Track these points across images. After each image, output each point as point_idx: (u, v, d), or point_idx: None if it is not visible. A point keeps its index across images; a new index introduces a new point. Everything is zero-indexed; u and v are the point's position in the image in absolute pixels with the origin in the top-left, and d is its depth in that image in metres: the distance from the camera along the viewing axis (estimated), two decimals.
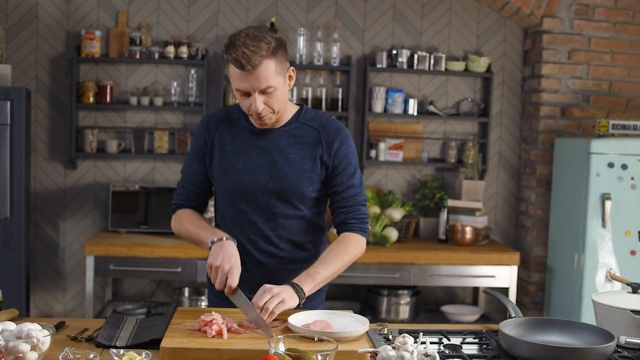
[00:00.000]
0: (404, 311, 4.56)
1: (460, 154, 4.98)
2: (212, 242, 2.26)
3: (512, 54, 5.03)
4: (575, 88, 4.76)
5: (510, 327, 2.06)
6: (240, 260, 2.34)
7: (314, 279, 2.27)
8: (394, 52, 4.84)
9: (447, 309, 4.65)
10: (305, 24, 4.86)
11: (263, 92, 2.24)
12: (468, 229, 4.57)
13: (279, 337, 1.84)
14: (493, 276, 4.45)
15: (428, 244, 4.61)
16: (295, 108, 2.47)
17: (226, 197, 2.44)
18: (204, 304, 4.43)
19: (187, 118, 4.86)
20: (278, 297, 2.13)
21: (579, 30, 4.73)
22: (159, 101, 4.72)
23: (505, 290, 4.54)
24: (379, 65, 4.82)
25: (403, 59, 4.83)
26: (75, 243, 4.82)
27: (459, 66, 4.87)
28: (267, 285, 2.18)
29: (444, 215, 4.69)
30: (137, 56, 4.66)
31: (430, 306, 4.91)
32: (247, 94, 2.26)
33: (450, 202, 4.76)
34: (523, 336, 2.03)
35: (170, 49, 4.67)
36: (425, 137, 4.96)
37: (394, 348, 1.83)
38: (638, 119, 4.46)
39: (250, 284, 2.31)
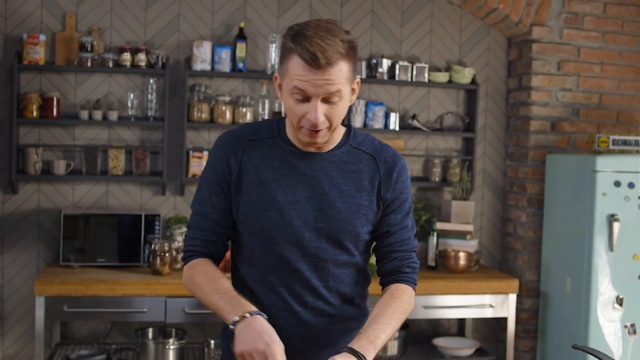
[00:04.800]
0: (392, 346, 4.15)
1: (445, 172, 4.62)
2: (235, 323, 1.74)
3: (496, 64, 4.71)
4: (565, 101, 4.47)
5: None
6: (285, 322, 1.91)
7: (375, 345, 1.80)
8: (374, 61, 4.44)
9: (440, 342, 4.26)
10: (277, 29, 4.40)
11: (327, 99, 1.79)
12: (461, 255, 4.20)
13: None
14: (492, 306, 4.10)
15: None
16: (343, 129, 2.01)
17: (260, 240, 1.94)
18: (171, 347, 3.87)
19: (145, 134, 4.30)
20: None
21: (568, 40, 4.45)
22: (113, 115, 4.16)
23: (503, 321, 4.20)
24: (357, 76, 4.40)
25: (383, 69, 4.43)
26: (17, 278, 4.19)
27: (442, 77, 4.51)
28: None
29: (433, 240, 4.31)
30: (88, 64, 4.09)
31: (417, 339, 4.51)
32: (306, 99, 1.80)
33: (439, 225, 4.39)
34: None
35: (126, 56, 4.12)
36: (407, 154, 4.57)
37: None
38: (637, 134, 4.21)
39: (292, 351, 1.81)
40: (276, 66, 4.29)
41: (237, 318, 1.74)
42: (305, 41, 1.74)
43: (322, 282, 1.95)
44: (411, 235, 2.03)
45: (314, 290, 1.95)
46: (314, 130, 1.83)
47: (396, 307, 1.91)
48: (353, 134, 2.00)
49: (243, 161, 1.95)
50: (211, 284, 1.88)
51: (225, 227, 1.99)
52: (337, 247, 1.94)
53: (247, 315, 1.74)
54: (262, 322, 1.73)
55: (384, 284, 2.02)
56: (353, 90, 1.88)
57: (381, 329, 1.84)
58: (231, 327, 1.75)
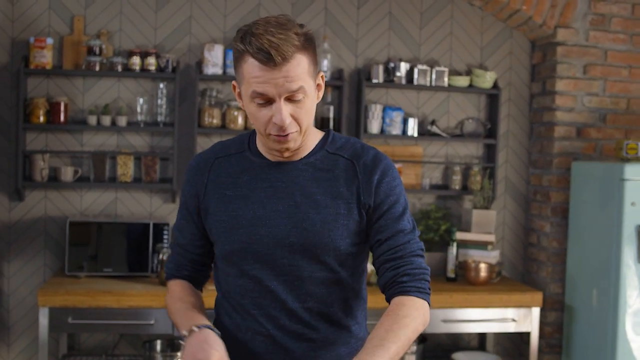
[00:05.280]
0: None
1: (465, 180, 4.44)
2: (184, 338, 1.68)
3: (519, 68, 4.53)
4: (592, 106, 4.28)
5: None
6: (261, 346, 1.77)
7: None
8: (391, 65, 4.29)
9: (459, 357, 4.08)
10: None
11: (291, 98, 1.65)
12: (482, 266, 4.03)
13: None
14: (514, 320, 3.92)
15: (436, 284, 4.02)
16: (320, 134, 1.85)
17: (232, 261, 1.80)
18: None
19: (155, 140, 4.18)
20: None
21: (594, 43, 4.27)
22: (122, 121, 4.04)
23: (526, 336, 4.02)
24: (374, 80, 4.26)
25: (401, 73, 4.27)
26: (23, 288, 4.08)
27: (463, 81, 4.35)
28: None
29: (453, 250, 4.13)
30: (97, 68, 3.97)
31: (436, 353, 4.34)
32: (268, 102, 1.66)
33: (459, 235, 4.22)
34: None
35: (135, 60, 4.00)
36: (426, 161, 4.40)
37: None
38: None
39: None
40: None
41: (185, 333, 1.68)
42: (256, 40, 1.60)
43: (300, 303, 1.77)
44: (409, 239, 1.77)
45: (291, 313, 1.77)
46: (283, 135, 1.69)
47: (390, 325, 1.65)
48: (331, 139, 1.83)
49: (209, 181, 1.82)
50: (175, 303, 1.84)
51: (194, 252, 1.90)
52: (314, 262, 1.75)
53: (195, 329, 1.67)
54: (207, 334, 1.65)
55: (387, 301, 1.79)
56: (318, 86, 1.74)
57: (371, 354, 1.59)
58: (181, 342, 1.69)
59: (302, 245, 1.74)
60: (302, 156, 1.79)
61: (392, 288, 1.75)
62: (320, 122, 4.20)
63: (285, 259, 1.75)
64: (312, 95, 1.69)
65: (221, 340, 1.66)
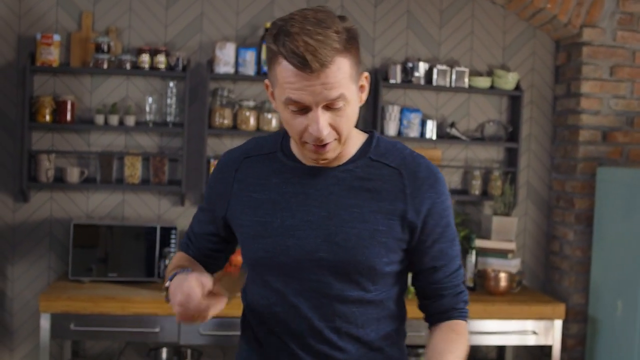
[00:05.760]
0: None
1: (485, 185, 4.28)
2: (167, 290, 1.58)
3: (542, 69, 4.35)
4: (618, 109, 4.10)
5: None
6: None
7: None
8: (409, 65, 4.13)
9: None
10: None
11: (330, 106, 1.48)
12: (502, 275, 3.85)
13: None
14: (535, 332, 3.74)
15: None
16: (363, 137, 1.67)
17: (256, 271, 1.66)
18: None
19: (164, 141, 4.05)
20: None
21: (622, 43, 4.08)
22: (130, 120, 3.91)
23: (547, 349, 3.84)
24: (392, 81, 4.10)
25: (420, 73, 4.11)
26: (27, 292, 3.96)
27: (484, 82, 4.18)
28: None
29: (471, 258, 3.97)
30: (105, 66, 3.85)
31: None
32: (304, 110, 1.49)
33: (478, 242, 4.05)
34: None
35: (145, 58, 3.87)
36: (444, 165, 4.24)
37: None
38: None
39: None
40: None
41: (167, 284, 1.58)
42: (290, 41, 1.43)
43: (326, 323, 1.62)
44: (459, 264, 1.68)
45: (316, 332, 1.62)
46: (320, 145, 1.52)
47: (461, 344, 1.62)
48: (375, 144, 1.65)
49: (236, 181, 1.69)
50: (169, 271, 1.71)
51: (205, 247, 1.80)
52: (344, 281, 1.60)
53: (176, 274, 1.56)
54: (183, 275, 1.52)
55: (435, 322, 1.69)
56: (362, 87, 1.57)
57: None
58: (165, 298, 1.58)
59: (332, 262, 1.58)
60: (341, 162, 1.62)
61: (449, 313, 1.68)
62: None
63: (312, 274, 1.60)
64: (353, 101, 1.52)
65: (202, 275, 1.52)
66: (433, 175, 1.64)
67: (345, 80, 1.47)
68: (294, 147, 1.65)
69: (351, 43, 1.49)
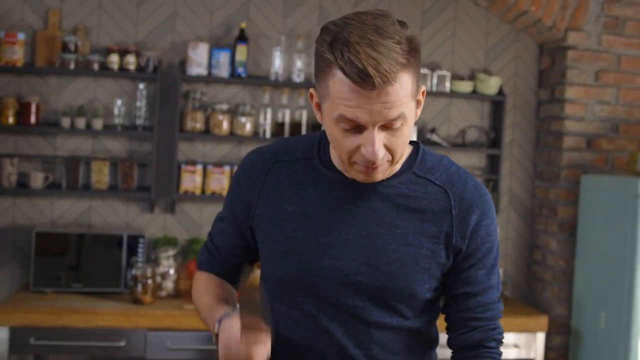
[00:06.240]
0: None
1: None
2: (217, 331, 1.43)
3: (526, 73, 4.24)
4: (603, 115, 3.99)
5: None
6: None
7: None
8: None
9: None
10: (283, 31, 3.97)
11: (387, 126, 1.33)
12: None
13: None
14: (516, 346, 3.62)
15: None
16: (408, 149, 1.52)
17: (283, 289, 1.50)
18: None
19: (133, 145, 3.88)
20: None
21: (607, 47, 3.97)
22: (98, 124, 3.74)
23: None
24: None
25: None
26: None
27: (466, 87, 4.05)
28: None
29: None
30: (72, 66, 3.68)
31: None
32: (357, 129, 1.33)
33: None
34: None
35: (114, 58, 3.71)
36: None
37: None
38: None
39: None
40: (280, 71, 3.86)
41: (217, 325, 1.43)
42: (350, 52, 1.27)
43: (362, 351, 1.48)
44: (497, 297, 1.53)
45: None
46: (372, 168, 1.37)
47: None
48: (421, 158, 1.50)
49: (265, 188, 1.52)
50: (200, 298, 1.60)
51: (229, 260, 1.64)
52: (383, 308, 1.46)
53: (217, 325, 1.43)
54: (230, 324, 1.37)
55: (463, 357, 1.54)
56: (418, 102, 1.42)
57: None
58: (214, 336, 1.45)
59: (371, 287, 1.45)
60: (385, 177, 1.46)
61: (477, 350, 1.53)
62: (312, 128, 3.90)
63: (349, 299, 1.46)
64: (412, 120, 1.38)
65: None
66: (480, 196, 1.50)
67: (407, 99, 1.32)
68: (334, 156, 1.49)
69: (413, 55, 1.33)
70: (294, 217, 1.47)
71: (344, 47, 1.28)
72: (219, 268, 1.65)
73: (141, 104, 3.80)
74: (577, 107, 3.97)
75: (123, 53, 3.74)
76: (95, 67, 3.72)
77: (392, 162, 1.39)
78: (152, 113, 3.83)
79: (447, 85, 4.02)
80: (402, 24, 1.34)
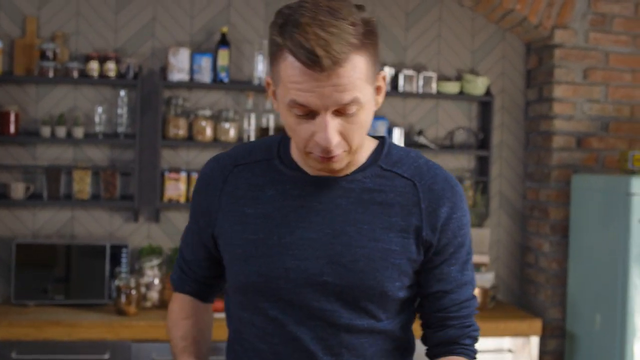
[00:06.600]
0: None
1: None
2: None
3: (513, 73, 4.19)
4: (593, 114, 3.94)
5: None
6: None
7: None
8: None
9: None
10: (265, 35, 3.90)
11: (341, 111, 1.28)
12: (475, 290, 3.65)
13: None
14: (511, 351, 3.55)
15: None
16: (373, 143, 1.47)
17: (247, 296, 1.43)
18: None
19: (115, 153, 3.81)
20: None
21: (595, 45, 3.92)
22: (78, 132, 3.67)
23: None
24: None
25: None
26: None
27: (452, 88, 4.00)
28: None
29: None
30: (50, 74, 3.61)
31: None
32: (311, 115, 1.28)
33: None
34: None
35: (94, 66, 3.64)
36: None
37: None
38: None
39: None
40: (263, 76, 3.80)
41: None
42: (299, 33, 1.22)
43: (332, 357, 1.40)
44: (471, 293, 1.48)
45: None
46: (327, 157, 1.31)
47: None
48: (387, 151, 1.45)
49: (224, 194, 1.45)
50: (170, 330, 1.57)
51: (199, 274, 1.58)
52: (353, 309, 1.39)
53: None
54: None
55: (434, 355, 1.49)
56: (378, 89, 1.36)
57: None
58: None
59: (338, 286, 1.37)
60: (349, 172, 1.41)
61: (451, 347, 1.47)
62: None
63: (315, 301, 1.38)
64: (368, 105, 1.31)
65: None
66: (451, 187, 1.44)
67: (361, 82, 1.27)
68: (295, 153, 1.44)
69: (369, 37, 1.28)
70: (254, 220, 1.41)
71: (294, 29, 1.23)
72: (191, 284, 1.59)
73: (122, 111, 3.73)
74: (566, 106, 3.91)
75: (103, 60, 3.67)
76: (75, 74, 3.65)
77: (349, 151, 1.33)
78: (133, 120, 3.75)
79: (434, 86, 3.96)
80: (359, 7, 1.30)
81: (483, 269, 3.86)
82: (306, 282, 1.37)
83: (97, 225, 3.79)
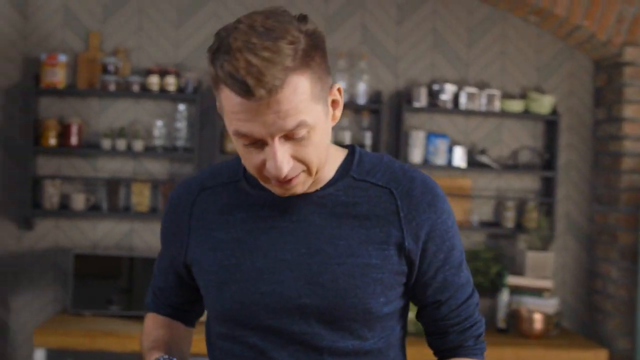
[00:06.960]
0: None
1: (519, 217, 3.95)
2: None
3: (581, 91, 4.04)
4: None
5: None
6: None
7: None
8: (436, 87, 3.86)
9: None
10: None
11: (289, 136, 1.20)
12: (537, 317, 3.51)
13: None
14: None
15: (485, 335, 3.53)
16: (342, 153, 1.38)
17: (225, 324, 1.35)
18: None
19: (174, 167, 3.83)
20: None
21: None
22: (138, 145, 3.71)
23: None
24: (416, 104, 3.83)
25: (447, 96, 3.84)
26: (30, 324, 3.75)
27: (517, 106, 3.88)
28: None
29: (504, 297, 3.64)
30: (112, 88, 3.66)
31: None
32: (259, 143, 1.21)
33: (511, 280, 3.72)
34: None
35: (154, 80, 3.68)
36: (475, 195, 3.93)
37: None
38: None
39: None
40: None
41: None
42: (229, 61, 1.14)
43: None
44: (469, 292, 1.39)
45: None
46: (284, 182, 1.24)
47: None
48: (358, 160, 1.36)
49: (194, 218, 1.39)
50: (143, 342, 1.49)
51: (174, 301, 1.51)
52: (335, 330, 1.31)
53: None
54: None
55: (443, 358, 1.42)
56: (333, 103, 1.28)
57: None
58: None
59: (318, 308, 1.29)
60: (319, 187, 1.33)
61: (457, 350, 1.41)
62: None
63: (295, 325, 1.30)
64: (320, 125, 1.22)
65: None
66: (430, 191, 1.34)
67: (305, 103, 1.18)
68: None
69: (311, 53, 1.19)
70: (226, 245, 1.34)
71: (225, 57, 1.14)
72: (164, 308, 1.53)
73: (181, 125, 3.75)
74: (636, 126, 3.75)
75: (163, 74, 3.71)
76: (136, 88, 3.69)
77: (309, 172, 1.25)
78: (192, 134, 3.77)
79: (497, 104, 3.86)
80: (301, 18, 1.20)
81: (546, 294, 3.71)
82: (283, 306, 1.29)
83: (155, 238, 3.81)
